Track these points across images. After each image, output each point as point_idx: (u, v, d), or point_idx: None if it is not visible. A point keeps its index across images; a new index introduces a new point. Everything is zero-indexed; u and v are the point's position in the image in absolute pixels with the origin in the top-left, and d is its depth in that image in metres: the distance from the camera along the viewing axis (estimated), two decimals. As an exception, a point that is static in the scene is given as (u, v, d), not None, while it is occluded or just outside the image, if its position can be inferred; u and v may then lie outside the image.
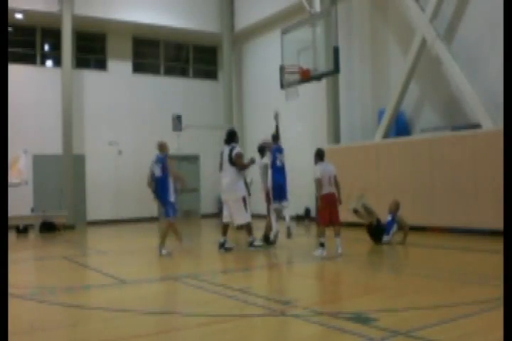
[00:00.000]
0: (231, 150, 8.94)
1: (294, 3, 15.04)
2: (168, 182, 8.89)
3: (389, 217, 9.63)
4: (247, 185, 9.73)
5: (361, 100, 14.59)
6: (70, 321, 4.79)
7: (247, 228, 9.13)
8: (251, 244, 9.13)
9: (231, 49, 18.94)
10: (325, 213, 8.31)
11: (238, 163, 8.89)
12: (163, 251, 8.79)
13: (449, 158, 10.87)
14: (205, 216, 18.45)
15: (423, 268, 6.94)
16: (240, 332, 4.18)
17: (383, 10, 13.97)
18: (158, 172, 8.88)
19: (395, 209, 9.67)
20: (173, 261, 8.49)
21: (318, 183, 8.28)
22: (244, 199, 8.97)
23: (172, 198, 8.97)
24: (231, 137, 9.15)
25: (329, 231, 8.42)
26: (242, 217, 9.00)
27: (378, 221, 9.56)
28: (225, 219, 9.19)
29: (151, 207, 18.10)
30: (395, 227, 9.55)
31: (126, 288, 6.27)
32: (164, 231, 9.00)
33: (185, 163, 18.84)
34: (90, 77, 17.41)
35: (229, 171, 8.94)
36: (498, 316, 3.97)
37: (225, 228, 9.17)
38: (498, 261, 5.78)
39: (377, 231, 9.55)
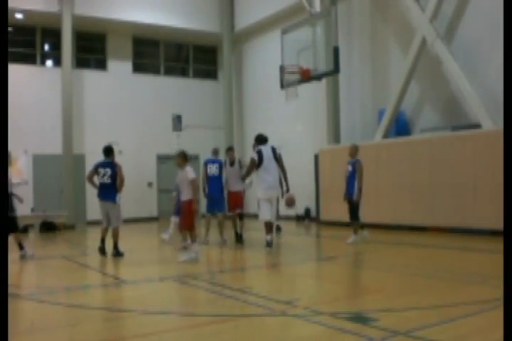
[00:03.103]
0: (274, 150, 9.21)
1: (294, 3, 15.05)
2: (222, 181, 10.25)
3: (349, 168, 9.63)
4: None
5: (361, 100, 14.59)
6: (70, 321, 4.78)
7: (271, 226, 9.25)
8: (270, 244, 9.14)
9: (231, 49, 18.94)
10: (194, 217, 8.11)
11: (282, 164, 9.26)
12: (224, 240, 10.15)
13: (449, 158, 10.88)
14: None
15: (423, 268, 6.94)
16: (239, 332, 4.18)
17: (383, 10, 13.97)
18: (215, 172, 10.18)
19: (354, 152, 9.70)
20: (173, 261, 8.48)
21: (196, 184, 8.11)
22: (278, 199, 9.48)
23: (225, 195, 10.36)
24: (265, 138, 9.41)
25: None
26: (273, 214, 9.30)
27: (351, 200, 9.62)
28: (268, 217, 9.22)
29: (150, 207, 18.16)
30: (356, 185, 9.47)
31: (126, 288, 6.27)
32: (221, 224, 10.23)
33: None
34: (90, 77, 17.41)
35: (274, 170, 9.15)
36: (498, 316, 3.97)
37: (270, 226, 9.27)
38: (498, 261, 5.78)
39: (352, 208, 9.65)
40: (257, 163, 9.04)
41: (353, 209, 9.65)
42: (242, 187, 10.20)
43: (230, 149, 10.58)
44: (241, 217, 10.27)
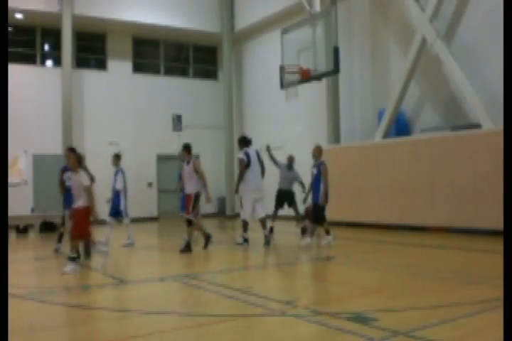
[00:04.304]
0: (258, 153, 9.66)
1: (294, 3, 15.04)
2: None
3: (314, 170, 9.44)
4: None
5: (361, 100, 14.59)
6: (70, 321, 4.78)
7: (265, 223, 9.72)
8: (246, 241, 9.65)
9: (231, 49, 18.94)
10: (86, 226, 7.32)
11: (264, 168, 9.73)
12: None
13: (449, 158, 10.87)
14: (205, 216, 18.42)
15: (423, 268, 6.94)
16: (239, 332, 4.18)
17: (383, 10, 13.97)
18: None
19: (318, 154, 9.59)
20: (173, 261, 8.49)
21: (91, 190, 7.23)
22: None
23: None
24: (249, 140, 9.77)
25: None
26: (263, 211, 9.73)
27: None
28: (246, 217, 9.68)
29: (150, 207, 18.15)
30: (322, 187, 9.25)
31: (126, 288, 6.27)
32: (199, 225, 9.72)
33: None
34: (90, 77, 17.42)
35: (260, 172, 9.62)
36: (498, 316, 3.97)
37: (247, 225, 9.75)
38: (498, 261, 5.78)
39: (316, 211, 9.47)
40: (246, 164, 9.31)
41: (319, 212, 9.40)
42: (194, 190, 9.18)
43: (186, 147, 9.66)
44: (190, 223, 9.09)
